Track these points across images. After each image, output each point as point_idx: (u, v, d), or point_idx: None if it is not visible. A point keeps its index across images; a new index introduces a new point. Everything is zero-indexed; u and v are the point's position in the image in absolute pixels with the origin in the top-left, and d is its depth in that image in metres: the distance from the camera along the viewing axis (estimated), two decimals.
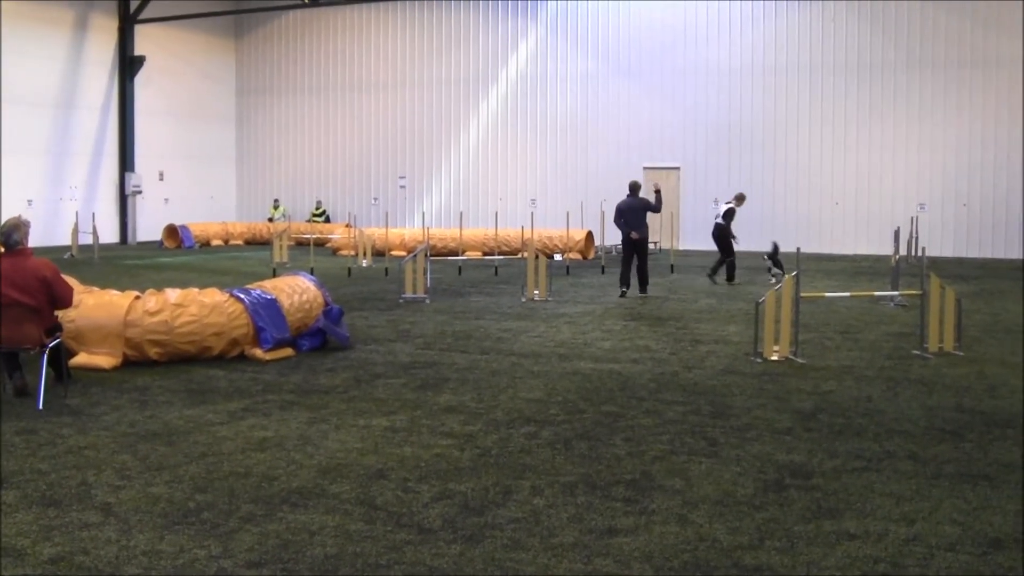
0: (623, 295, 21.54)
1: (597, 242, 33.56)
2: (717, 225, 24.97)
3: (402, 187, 43.42)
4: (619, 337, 15.67)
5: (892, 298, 19.40)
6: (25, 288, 10.83)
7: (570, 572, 6.02)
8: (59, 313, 12.65)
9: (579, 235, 33.58)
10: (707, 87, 38.06)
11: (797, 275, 13.84)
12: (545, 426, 9.75)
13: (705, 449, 8.87)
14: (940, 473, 8.13)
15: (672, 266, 28.10)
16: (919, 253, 23.69)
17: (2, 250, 11.30)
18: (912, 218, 32.51)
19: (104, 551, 6.40)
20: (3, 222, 11.39)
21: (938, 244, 34.08)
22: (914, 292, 15.93)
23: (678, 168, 38.54)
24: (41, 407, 10.56)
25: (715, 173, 37.93)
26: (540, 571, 6.04)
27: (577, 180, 39.67)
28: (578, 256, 33.05)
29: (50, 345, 11.01)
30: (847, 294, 17.92)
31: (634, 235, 21.34)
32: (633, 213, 21.53)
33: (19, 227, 11.18)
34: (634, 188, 22.09)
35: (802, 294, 14.27)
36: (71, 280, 14.44)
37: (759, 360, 13.47)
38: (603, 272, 27.20)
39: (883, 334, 15.95)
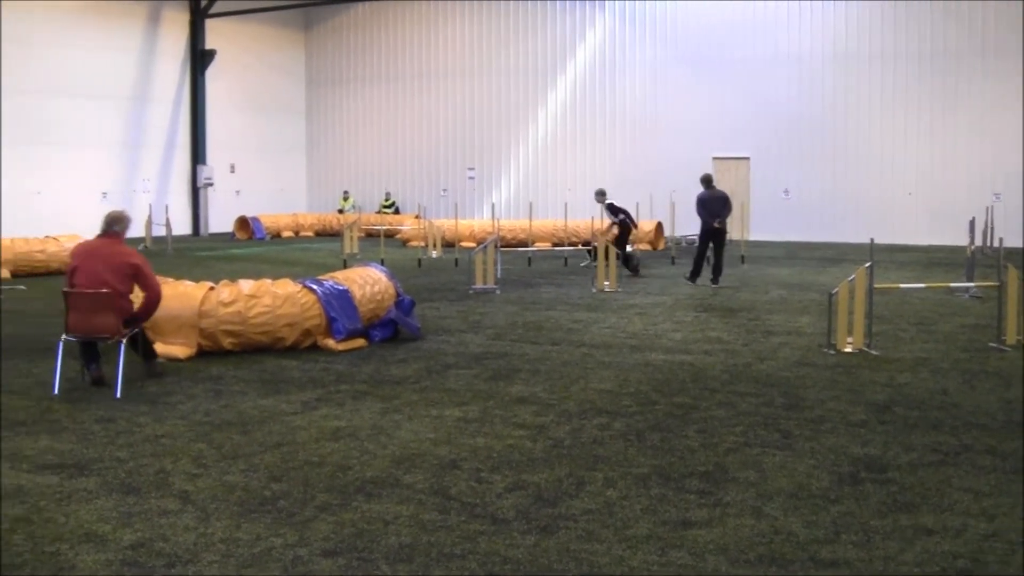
0: (692, 282, 21.62)
1: (667, 233, 33.44)
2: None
3: (471, 178, 43.46)
4: (690, 328, 15.60)
5: (967, 289, 19.16)
6: (112, 270, 11.09)
7: (644, 564, 6.01)
8: (135, 303, 12.82)
9: (649, 226, 33.48)
10: (777, 76, 37.71)
11: (871, 266, 13.69)
12: (617, 417, 9.73)
13: (779, 441, 8.81)
14: (1020, 468, 8.02)
15: (743, 257, 27.90)
16: (995, 243, 23.39)
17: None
18: (987, 208, 32.10)
19: (183, 538, 6.48)
20: (107, 212, 11.87)
21: (1015, 234, 33.58)
22: (990, 283, 15.73)
23: (748, 158, 38.28)
24: (119, 396, 10.71)
25: (785, 163, 37.62)
26: (614, 563, 6.03)
27: (646, 170, 39.45)
28: (648, 247, 32.94)
29: (128, 335, 11.15)
30: (922, 285, 17.71)
31: (717, 223, 21.29)
32: (715, 203, 21.50)
33: (121, 219, 11.67)
34: (708, 180, 22.02)
35: (876, 285, 14.13)
36: None
37: (832, 352, 13.36)
38: (673, 263, 27.06)
39: (958, 326, 15.75)
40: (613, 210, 25.20)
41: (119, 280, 11.12)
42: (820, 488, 7.47)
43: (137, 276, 11.29)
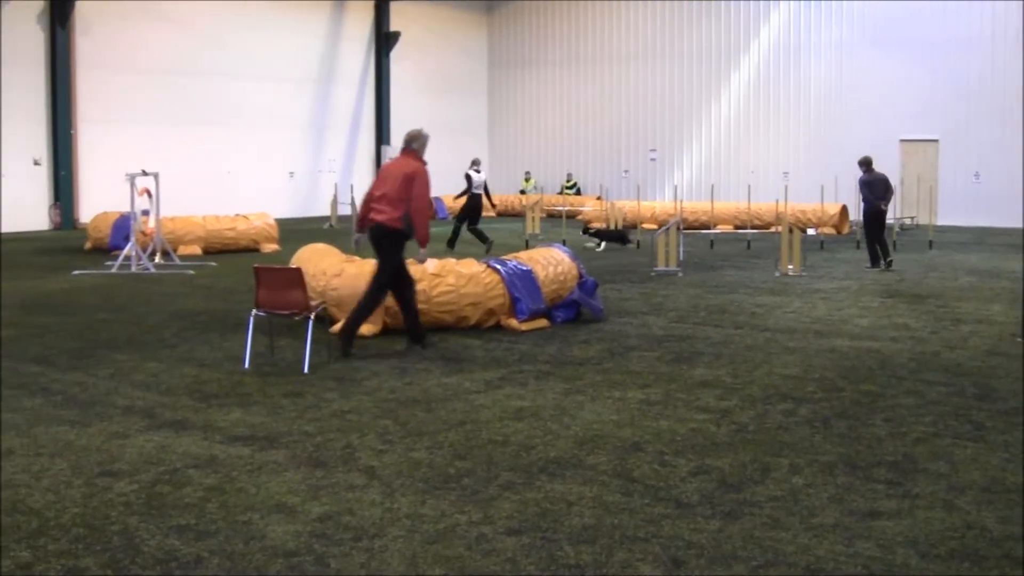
0: (888, 266, 21.48)
1: (852, 216, 32.82)
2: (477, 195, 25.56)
3: (653, 159, 43.26)
4: (876, 314, 15.29)
5: None
6: (396, 178, 12.00)
7: (831, 554, 5.91)
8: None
9: (833, 209, 32.93)
10: (967, 55, 36.50)
11: None
12: (802, 403, 9.59)
13: (970, 433, 8.57)
14: None
15: (931, 242, 27.21)
16: None
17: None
18: None
19: (369, 512, 6.59)
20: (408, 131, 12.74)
21: None
22: None
23: (936, 141, 37.25)
24: (307, 371, 10.95)
25: (976, 146, 36.46)
26: (800, 551, 5.95)
27: (831, 153, 38.72)
28: (832, 231, 32.39)
29: (315, 311, 11.38)
30: None
31: (884, 206, 21.13)
32: (879, 186, 21.55)
33: (418, 137, 12.45)
34: (869, 163, 21.99)
35: None
36: (329, 249, 14.98)
37: None
38: (858, 247, 26.53)
39: None
40: (468, 181, 25.69)
41: (399, 186, 11.94)
42: (1015, 483, 7.24)
43: (411, 182, 11.95)
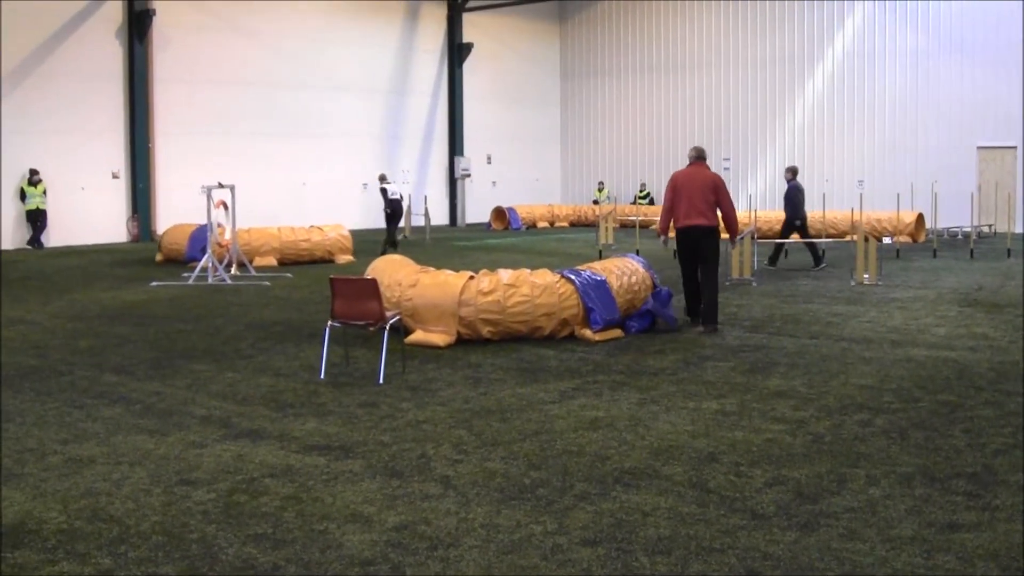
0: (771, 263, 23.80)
1: (928, 224, 32.45)
2: None
3: (726, 169, 42.99)
4: (954, 323, 15.10)
5: None
6: (700, 188, 14.21)
7: (909, 567, 5.85)
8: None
9: (909, 217, 32.53)
10: None
11: None
12: (879, 414, 9.50)
13: None
14: None
15: (1008, 251, 26.81)
16: None
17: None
18: None
19: (444, 522, 6.62)
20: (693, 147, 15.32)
21: None
22: None
23: (1014, 148, 36.72)
24: (381, 382, 11.02)
25: None
26: (878, 563, 5.90)
27: (906, 160, 38.35)
28: (908, 239, 32.02)
29: (390, 321, 11.46)
30: None
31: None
32: (802, 193, 24.16)
33: (704, 151, 14.99)
34: (796, 171, 24.48)
35: None
36: (404, 260, 15.06)
37: None
38: (935, 256, 26.25)
39: None
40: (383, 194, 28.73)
41: (706, 195, 14.18)
42: None
43: (717, 191, 14.29)
